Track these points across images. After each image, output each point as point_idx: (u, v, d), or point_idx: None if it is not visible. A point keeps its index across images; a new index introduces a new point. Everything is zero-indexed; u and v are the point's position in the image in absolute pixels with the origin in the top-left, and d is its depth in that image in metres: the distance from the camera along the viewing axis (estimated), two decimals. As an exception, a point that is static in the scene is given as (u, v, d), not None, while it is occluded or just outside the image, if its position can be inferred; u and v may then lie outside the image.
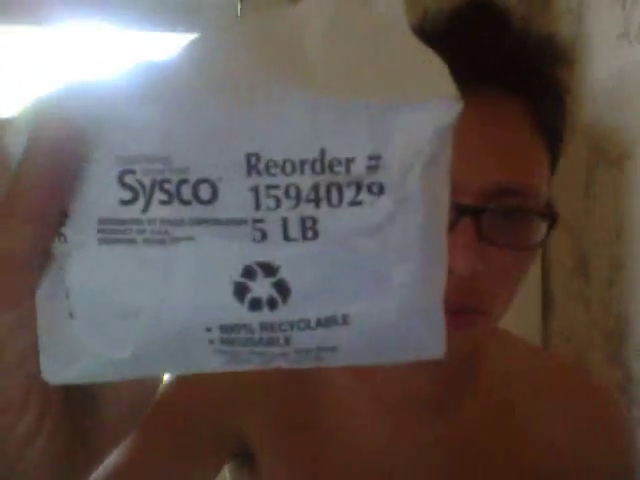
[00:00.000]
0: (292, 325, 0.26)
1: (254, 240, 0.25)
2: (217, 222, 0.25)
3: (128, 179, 0.25)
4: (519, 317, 1.50)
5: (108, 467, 0.54)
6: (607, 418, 0.63)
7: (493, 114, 0.48)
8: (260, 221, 0.25)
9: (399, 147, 0.25)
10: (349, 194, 0.25)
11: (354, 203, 0.25)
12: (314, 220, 0.25)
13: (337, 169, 0.25)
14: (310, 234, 0.25)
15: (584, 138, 1.44)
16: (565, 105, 0.54)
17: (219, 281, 0.25)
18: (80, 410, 0.29)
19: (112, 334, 0.26)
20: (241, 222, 0.25)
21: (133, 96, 0.25)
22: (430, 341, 0.28)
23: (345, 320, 0.27)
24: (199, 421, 0.60)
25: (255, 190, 0.25)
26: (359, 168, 0.25)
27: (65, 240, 0.26)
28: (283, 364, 0.28)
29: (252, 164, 0.24)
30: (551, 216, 0.49)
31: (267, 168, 0.25)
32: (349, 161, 0.25)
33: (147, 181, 0.24)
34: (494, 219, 0.47)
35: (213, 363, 0.27)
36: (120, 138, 0.25)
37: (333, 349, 0.27)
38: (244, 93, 0.25)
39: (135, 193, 0.25)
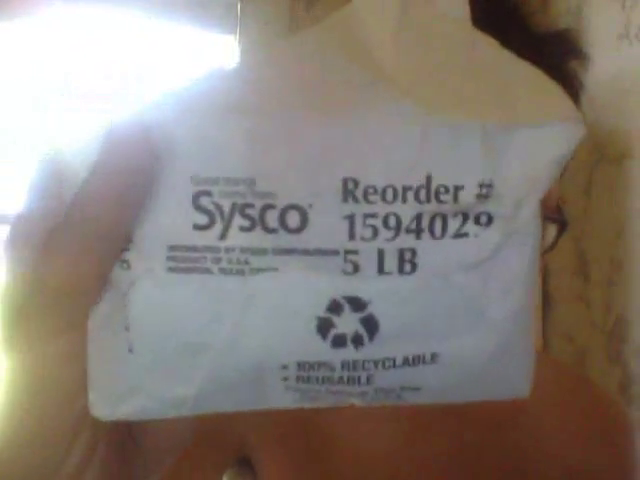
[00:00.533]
0: (377, 364, 0.24)
1: (344, 273, 0.22)
2: (305, 252, 0.22)
3: (204, 201, 0.22)
4: (519, 317, 1.51)
5: None
6: (615, 433, 0.63)
7: None
8: (353, 252, 0.22)
9: (514, 175, 0.23)
10: (454, 225, 0.22)
11: (458, 235, 0.23)
12: (413, 252, 0.22)
13: (444, 198, 0.22)
14: (407, 268, 0.22)
15: (584, 138, 1.44)
16: (580, 102, 0.53)
17: (302, 316, 0.23)
18: (129, 439, 0.28)
19: (176, 370, 0.24)
20: (332, 253, 0.22)
21: (213, 110, 0.22)
22: (518, 381, 0.26)
23: (434, 359, 0.24)
24: (202, 428, 0.60)
25: (350, 219, 0.22)
26: (468, 197, 0.22)
27: (128, 267, 0.23)
28: (358, 403, 0.26)
29: (349, 189, 0.22)
30: (561, 221, 0.49)
31: (365, 195, 0.22)
32: (458, 189, 0.22)
33: (226, 204, 0.22)
34: None
35: (284, 401, 0.25)
36: (197, 157, 0.22)
37: (417, 389, 0.25)
38: (339, 109, 0.23)
39: (212, 217, 0.22)
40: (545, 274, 1.59)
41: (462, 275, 0.23)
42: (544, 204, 0.49)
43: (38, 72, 1.48)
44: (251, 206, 0.22)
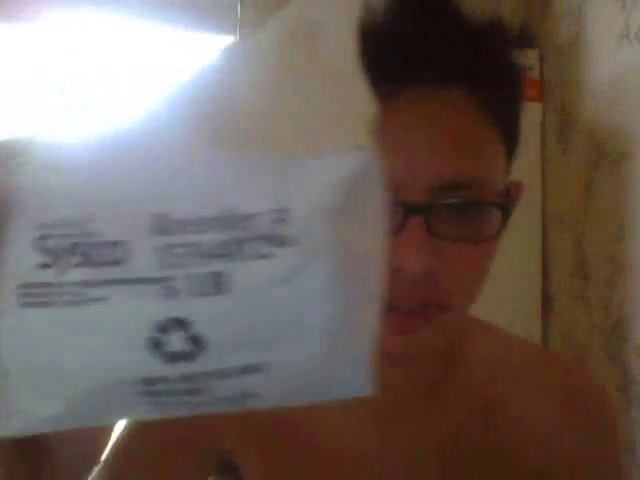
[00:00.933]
0: (212, 375, 0.27)
1: (165, 297, 0.26)
2: (125, 282, 0.26)
3: (46, 243, 0.26)
4: (519, 317, 1.51)
5: None
6: (600, 418, 0.63)
7: (435, 109, 0.47)
8: (169, 279, 0.26)
9: (303, 200, 0.26)
10: (257, 248, 0.26)
11: (262, 256, 0.26)
12: (224, 275, 0.26)
13: (243, 224, 0.26)
14: (221, 288, 0.26)
15: (584, 138, 1.44)
16: (519, 91, 0.53)
17: (133, 338, 0.26)
18: (33, 453, 0.31)
19: (44, 391, 0.28)
20: (150, 281, 0.26)
21: (52, 163, 0.27)
22: (356, 380, 0.29)
23: (265, 367, 0.28)
24: (179, 437, 0.60)
25: (161, 250, 0.26)
26: (265, 222, 0.26)
27: None
28: (210, 410, 0.29)
29: (158, 224, 0.26)
30: (505, 206, 0.49)
31: (174, 227, 0.26)
32: (256, 216, 0.26)
33: (65, 245, 0.26)
34: (446, 214, 0.47)
35: (145, 412, 0.29)
36: (39, 204, 0.26)
37: (256, 395, 0.29)
38: (147, 151, 0.27)
39: (53, 257, 0.26)
40: (545, 274, 1.59)
41: (273, 291, 0.26)
42: (487, 193, 0.48)
43: (38, 74, 1.48)
44: (82, 244, 0.26)
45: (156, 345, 0.26)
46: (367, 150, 0.27)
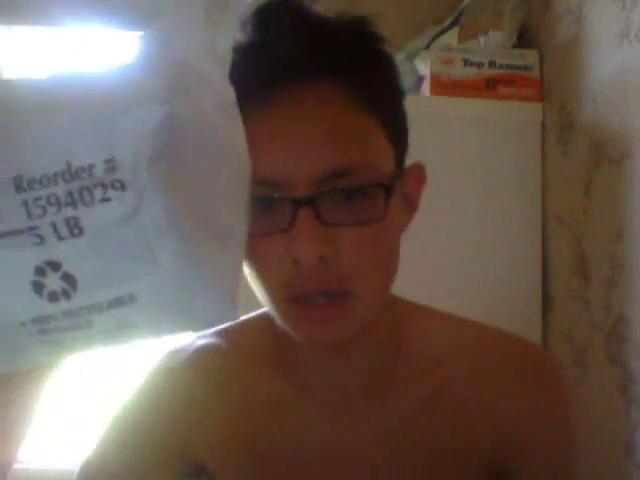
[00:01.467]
0: (89, 310, 0.32)
1: (35, 244, 0.31)
2: (3, 235, 0.31)
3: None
4: (519, 317, 1.51)
5: None
6: (544, 389, 0.63)
7: (309, 106, 0.49)
8: (35, 228, 0.31)
9: (126, 149, 0.32)
10: (98, 193, 0.31)
11: (104, 200, 0.31)
12: (76, 220, 0.31)
13: (83, 175, 0.31)
14: (76, 231, 0.31)
15: (584, 138, 1.44)
16: (391, 75, 0.55)
17: (19, 283, 0.32)
18: None
19: None
20: (20, 232, 0.31)
21: None
22: (217, 307, 0.34)
23: (132, 298, 0.32)
24: (148, 444, 0.61)
25: (25, 204, 0.31)
26: (99, 171, 0.31)
27: None
28: (102, 346, 0.33)
29: (18, 183, 0.31)
30: (386, 186, 0.50)
31: (30, 184, 0.31)
32: (91, 167, 0.31)
33: None
34: (332, 202, 0.49)
35: (42, 354, 0.33)
36: None
37: (134, 325, 0.33)
38: (15, 120, 0.32)
39: None
40: (545, 274, 1.59)
41: (120, 230, 0.32)
42: (370, 177, 0.50)
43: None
44: None
45: (39, 287, 0.32)
46: (166, 103, 0.32)
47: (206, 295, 0.33)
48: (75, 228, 0.31)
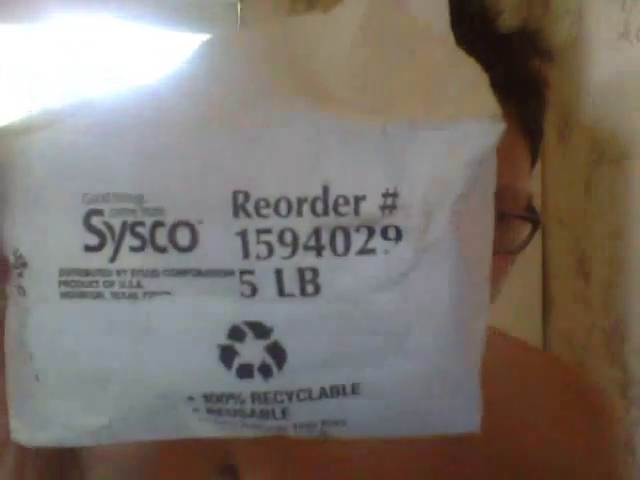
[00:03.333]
0: (290, 396, 0.22)
1: (242, 295, 0.20)
2: (198, 274, 0.20)
3: (95, 221, 0.21)
4: (519, 317, 1.51)
5: None
6: (598, 419, 0.63)
7: None
8: (249, 272, 0.20)
9: (422, 181, 0.20)
10: (358, 240, 0.20)
11: (364, 251, 0.20)
12: (315, 272, 0.20)
13: (343, 210, 0.20)
14: (310, 289, 0.20)
15: (584, 138, 1.44)
16: (545, 102, 0.53)
17: (201, 343, 0.21)
18: (67, 463, 0.29)
19: (84, 400, 0.23)
20: (226, 274, 0.20)
21: (103, 126, 0.21)
22: (460, 414, 0.24)
23: (355, 390, 0.22)
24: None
25: (243, 235, 0.20)
26: (371, 208, 0.20)
27: (24, 294, 0.22)
28: (282, 433, 0.24)
29: (239, 203, 0.20)
30: (534, 219, 0.49)
31: (257, 208, 0.20)
32: (359, 199, 0.20)
33: (117, 224, 0.21)
34: None
35: (202, 431, 0.23)
36: (88, 175, 0.21)
37: (341, 423, 0.23)
38: (230, 117, 0.21)
39: (102, 238, 0.21)
40: (545, 275, 1.59)
41: (374, 296, 0.21)
42: (516, 204, 0.49)
43: (36, 76, 1.48)
44: (141, 224, 0.20)
45: (229, 354, 0.21)
46: (499, 120, 0.20)
47: (457, 392, 0.23)
48: (310, 284, 0.20)
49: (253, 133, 0.21)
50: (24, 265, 0.21)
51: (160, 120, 0.21)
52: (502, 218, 0.47)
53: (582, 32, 1.44)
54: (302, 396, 0.22)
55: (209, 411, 0.22)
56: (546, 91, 0.54)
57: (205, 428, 0.23)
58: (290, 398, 0.22)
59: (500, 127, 0.20)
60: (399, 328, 0.21)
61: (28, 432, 0.24)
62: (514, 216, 0.47)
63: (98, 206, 0.21)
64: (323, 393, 0.22)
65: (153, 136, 0.21)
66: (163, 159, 0.21)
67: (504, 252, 0.47)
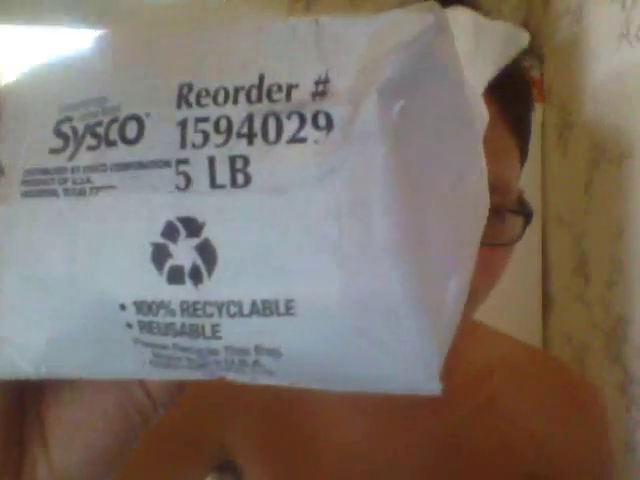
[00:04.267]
0: (220, 308, 0.20)
1: (177, 188, 0.20)
2: (141, 166, 0.20)
3: (63, 127, 0.22)
4: (519, 317, 1.51)
5: None
6: (593, 416, 0.63)
7: None
8: (184, 162, 0.20)
9: (351, 67, 0.20)
10: (290, 128, 0.19)
11: (295, 140, 0.19)
12: (246, 160, 0.19)
13: (276, 96, 0.20)
14: (241, 179, 0.19)
15: (584, 138, 1.44)
16: (532, 99, 0.54)
17: (135, 241, 0.20)
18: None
19: (29, 314, 0.22)
20: (164, 164, 0.20)
21: (75, 51, 0.24)
22: (412, 365, 0.20)
23: (289, 308, 0.19)
24: (183, 430, 0.60)
25: (183, 124, 0.20)
26: (302, 94, 0.20)
27: None
28: (219, 372, 0.22)
29: (183, 94, 0.21)
30: (526, 212, 0.50)
31: (198, 98, 0.20)
32: (291, 87, 0.20)
33: (81, 127, 0.22)
34: None
35: (134, 362, 0.22)
36: (65, 84, 0.23)
37: (276, 352, 0.20)
38: (183, 23, 0.23)
39: (66, 141, 0.22)
40: (545, 274, 1.59)
41: (302, 189, 0.19)
42: (508, 198, 0.49)
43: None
44: (100, 124, 0.21)
45: (162, 254, 0.20)
46: (433, 15, 0.20)
47: (410, 329, 0.19)
48: (240, 174, 0.19)
49: (200, 32, 0.22)
50: (2, 172, 0.23)
51: (116, 35, 0.24)
52: (497, 212, 0.48)
53: (582, 32, 1.44)
54: (232, 310, 0.20)
55: (141, 327, 0.21)
56: (533, 90, 0.54)
57: (138, 357, 0.22)
58: (220, 311, 0.20)
59: (429, 19, 0.20)
60: (330, 230, 0.19)
61: None
62: (506, 209, 0.47)
63: (69, 114, 0.22)
64: (255, 309, 0.20)
65: (113, 43, 0.23)
66: (122, 59, 0.23)
67: (498, 244, 0.48)
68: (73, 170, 0.21)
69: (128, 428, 0.26)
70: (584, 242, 1.45)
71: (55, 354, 0.22)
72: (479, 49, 0.27)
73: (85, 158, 0.21)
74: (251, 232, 0.19)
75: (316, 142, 0.19)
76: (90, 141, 0.21)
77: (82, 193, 0.21)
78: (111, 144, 0.21)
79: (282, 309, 0.19)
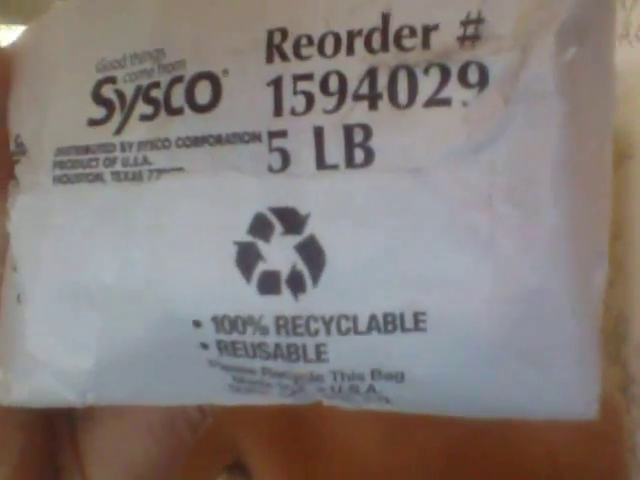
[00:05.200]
0: (328, 324, 0.15)
1: (270, 170, 0.15)
2: (218, 141, 0.15)
3: (105, 91, 0.17)
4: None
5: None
6: (610, 433, 0.63)
7: None
8: (281, 135, 0.15)
9: (513, 3, 0.14)
10: (428, 86, 0.14)
11: (436, 102, 0.14)
12: (367, 131, 0.14)
13: (408, 43, 0.15)
14: (360, 157, 0.15)
15: None
16: None
17: (215, 240, 0.15)
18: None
19: (71, 332, 0.17)
20: (252, 138, 0.15)
21: None
22: (569, 385, 0.16)
23: (418, 322, 0.15)
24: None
25: (276, 84, 0.15)
26: (446, 39, 0.15)
27: (17, 184, 0.18)
28: (318, 396, 0.17)
29: (275, 44, 0.15)
30: None
31: (297, 48, 0.15)
32: (429, 29, 0.14)
33: (129, 90, 0.16)
34: None
35: (211, 388, 0.18)
36: (102, 39, 0.17)
37: (399, 377, 0.16)
38: None
39: (110, 109, 0.16)
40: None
41: (445, 169, 0.14)
42: None
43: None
44: (157, 85, 0.16)
45: (247, 257, 0.15)
46: None
47: (569, 344, 0.15)
48: (359, 149, 0.14)
49: None
50: (23, 152, 0.18)
51: None
52: None
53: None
54: (344, 327, 0.15)
55: (220, 348, 0.16)
56: None
57: (216, 381, 0.17)
58: (328, 328, 0.15)
59: None
60: (481, 221, 0.14)
61: (6, 382, 0.18)
62: None
63: (111, 73, 0.17)
64: (374, 325, 0.15)
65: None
66: (187, 5, 0.17)
67: None
68: (123, 147, 0.16)
69: (177, 444, 0.22)
70: (584, 242, 1.46)
71: (105, 380, 0.17)
72: None
73: (139, 131, 0.16)
74: (374, 228, 0.15)
75: (465, 104, 0.14)
76: (144, 108, 0.16)
77: (138, 177, 0.16)
78: (175, 112, 0.16)
79: (409, 324, 0.15)
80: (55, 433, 0.22)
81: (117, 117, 0.16)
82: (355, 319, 0.15)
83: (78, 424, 0.22)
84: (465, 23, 0.14)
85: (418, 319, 0.15)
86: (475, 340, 0.15)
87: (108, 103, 0.16)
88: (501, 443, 0.60)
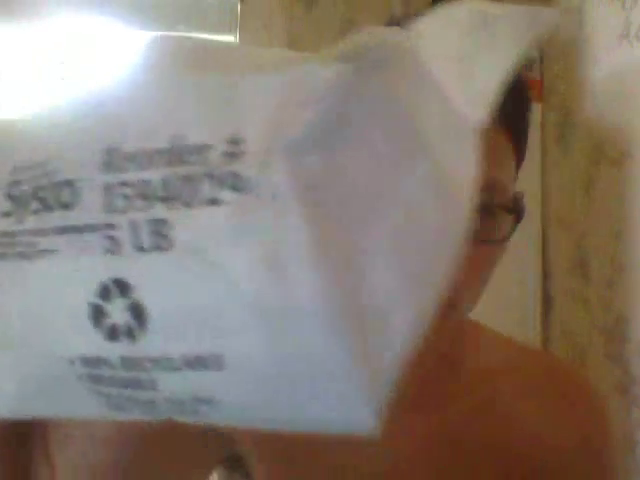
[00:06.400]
0: (155, 363, 0.21)
1: (108, 251, 0.21)
2: (76, 230, 0.21)
3: (14, 190, 0.23)
4: (519, 317, 1.51)
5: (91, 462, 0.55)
6: (592, 416, 0.64)
7: None
8: (111, 227, 0.20)
9: (260, 127, 0.19)
10: (205, 190, 0.19)
11: (212, 202, 0.19)
12: (167, 224, 0.20)
13: (192, 159, 0.20)
14: (164, 243, 0.20)
15: (584, 138, 1.44)
16: (527, 96, 0.54)
17: (75, 302, 0.21)
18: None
19: (2, 368, 0.24)
20: (95, 229, 0.21)
21: (19, 118, 0.25)
22: (346, 404, 0.20)
23: (218, 362, 0.20)
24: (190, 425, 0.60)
25: (108, 189, 0.21)
26: (216, 156, 0.19)
27: None
28: (164, 416, 0.23)
29: (110, 160, 0.21)
30: (518, 210, 0.50)
31: (123, 163, 0.21)
32: (205, 148, 0.20)
33: (28, 190, 0.22)
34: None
35: (94, 407, 0.23)
36: (14, 148, 0.24)
37: (211, 401, 0.21)
38: (107, 82, 0.23)
39: (16, 204, 0.22)
40: (545, 274, 1.59)
41: (220, 250, 0.19)
42: (502, 197, 0.49)
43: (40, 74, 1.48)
44: (43, 188, 0.22)
45: (99, 314, 0.21)
46: (359, 60, 0.20)
47: (341, 375, 0.19)
48: (162, 238, 0.20)
49: (125, 92, 0.23)
50: None
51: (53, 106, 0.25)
52: (487, 209, 0.48)
53: (582, 32, 1.44)
54: (166, 365, 0.21)
55: (90, 379, 0.22)
56: (533, 91, 0.55)
57: (93, 402, 0.23)
58: (155, 366, 0.21)
59: (348, 68, 0.19)
60: (251, 287, 0.19)
61: None
62: (497, 206, 0.47)
63: (19, 177, 0.23)
64: (186, 363, 0.20)
65: (57, 106, 0.24)
66: (60, 123, 0.23)
67: (488, 242, 0.48)
68: (21, 234, 0.22)
69: (140, 433, 0.27)
70: (584, 242, 1.45)
71: (26, 401, 0.24)
72: (482, 44, 0.25)
73: (30, 221, 0.22)
74: (177, 293, 0.20)
75: (230, 204, 0.19)
76: (34, 205, 0.22)
77: (28, 256, 0.22)
78: (50, 208, 0.22)
79: (212, 365, 0.20)
80: (29, 446, 0.26)
81: (19, 211, 0.22)
82: (172, 360, 0.21)
83: (50, 431, 0.27)
84: (230, 142, 0.19)
85: (218, 361, 0.20)
86: (260, 377, 0.20)
87: (15, 199, 0.23)
88: (487, 427, 0.60)
